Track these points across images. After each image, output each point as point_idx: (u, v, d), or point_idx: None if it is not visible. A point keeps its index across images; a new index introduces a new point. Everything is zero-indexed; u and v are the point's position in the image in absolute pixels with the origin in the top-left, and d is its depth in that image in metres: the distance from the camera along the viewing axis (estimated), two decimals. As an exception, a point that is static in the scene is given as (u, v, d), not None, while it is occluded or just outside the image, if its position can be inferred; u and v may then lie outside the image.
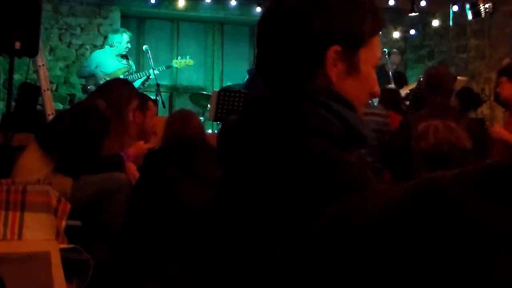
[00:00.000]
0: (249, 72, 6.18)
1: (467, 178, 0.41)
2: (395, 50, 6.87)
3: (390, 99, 4.52)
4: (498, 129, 3.66)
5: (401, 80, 6.21)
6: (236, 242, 0.88)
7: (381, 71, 5.81)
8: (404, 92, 5.61)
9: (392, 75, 6.14)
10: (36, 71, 3.97)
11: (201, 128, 2.89)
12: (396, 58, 6.67)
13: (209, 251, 0.94)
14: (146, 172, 2.62)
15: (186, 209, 2.35)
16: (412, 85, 5.72)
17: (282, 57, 0.94)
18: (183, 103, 6.80)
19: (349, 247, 0.40)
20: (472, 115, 4.43)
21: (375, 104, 4.18)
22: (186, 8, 7.45)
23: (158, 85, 5.51)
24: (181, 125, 2.75)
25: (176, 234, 2.30)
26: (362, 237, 0.40)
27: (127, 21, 7.68)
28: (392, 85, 5.78)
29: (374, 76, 1.01)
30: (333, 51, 0.93)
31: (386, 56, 6.07)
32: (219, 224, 0.93)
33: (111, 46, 5.67)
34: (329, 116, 0.90)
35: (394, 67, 6.51)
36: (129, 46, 5.73)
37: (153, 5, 7.27)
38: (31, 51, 3.38)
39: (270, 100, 0.94)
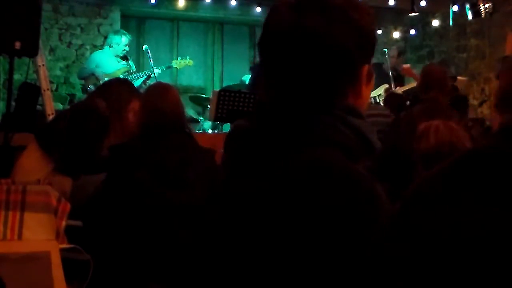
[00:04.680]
0: (252, 69, 6.14)
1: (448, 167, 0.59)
2: (392, 54, 6.63)
3: (396, 103, 4.54)
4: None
5: (399, 79, 6.14)
6: (247, 251, 0.88)
7: (379, 70, 5.78)
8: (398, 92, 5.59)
9: (389, 73, 6.12)
10: (36, 71, 3.96)
11: (178, 103, 2.67)
12: (392, 60, 6.44)
13: (214, 262, 0.93)
14: (115, 172, 2.52)
15: (156, 214, 2.33)
16: (408, 86, 5.71)
17: (314, 75, 0.92)
18: (183, 103, 6.79)
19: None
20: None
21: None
22: (186, 8, 7.45)
23: (158, 85, 5.50)
24: (159, 99, 2.58)
25: (148, 236, 2.29)
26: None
27: (127, 21, 7.68)
28: (393, 86, 5.77)
29: None
30: (366, 69, 0.95)
31: (386, 56, 6.06)
32: (226, 234, 0.93)
33: (110, 47, 5.67)
34: (343, 128, 0.92)
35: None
36: (127, 49, 5.72)
37: (153, 5, 7.26)
38: (31, 51, 3.38)
39: (286, 111, 0.94)
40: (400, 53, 6.18)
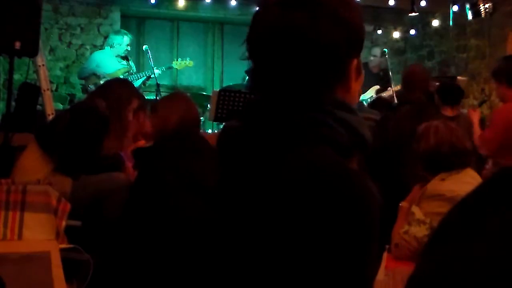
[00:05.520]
0: (247, 72, 6.17)
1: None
2: (374, 53, 6.47)
3: (383, 107, 4.54)
4: (474, 114, 4.07)
5: (385, 78, 6.09)
6: (241, 254, 0.88)
7: (365, 70, 5.73)
8: (388, 93, 5.56)
9: (376, 74, 6.11)
10: (36, 71, 3.97)
11: (197, 110, 2.85)
12: (377, 61, 6.35)
13: (211, 263, 0.93)
14: (143, 175, 2.58)
15: (182, 218, 2.34)
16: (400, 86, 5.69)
17: (301, 71, 0.91)
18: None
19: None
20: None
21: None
22: (186, 8, 7.44)
23: (158, 85, 5.51)
24: (186, 107, 2.72)
25: (171, 241, 2.30)
26: None
27: (127, 21, 7.67)
28: (392, 86, 5.76)
29: None
30: (354, 64, 0.95)
31: (386, 56, 6.06)
32: (220, 235, 0.93)
33: (111, 47, 5.67)
34: (335, 124, 0.91)
35: (376, 70, 6.30)
36: (129, 49, 5.72)
37: (153, 5, 7.26)
38: (31, 51, 3.38)
39: (276, 109, 0.93)
40: (383, 52, 6.13)
